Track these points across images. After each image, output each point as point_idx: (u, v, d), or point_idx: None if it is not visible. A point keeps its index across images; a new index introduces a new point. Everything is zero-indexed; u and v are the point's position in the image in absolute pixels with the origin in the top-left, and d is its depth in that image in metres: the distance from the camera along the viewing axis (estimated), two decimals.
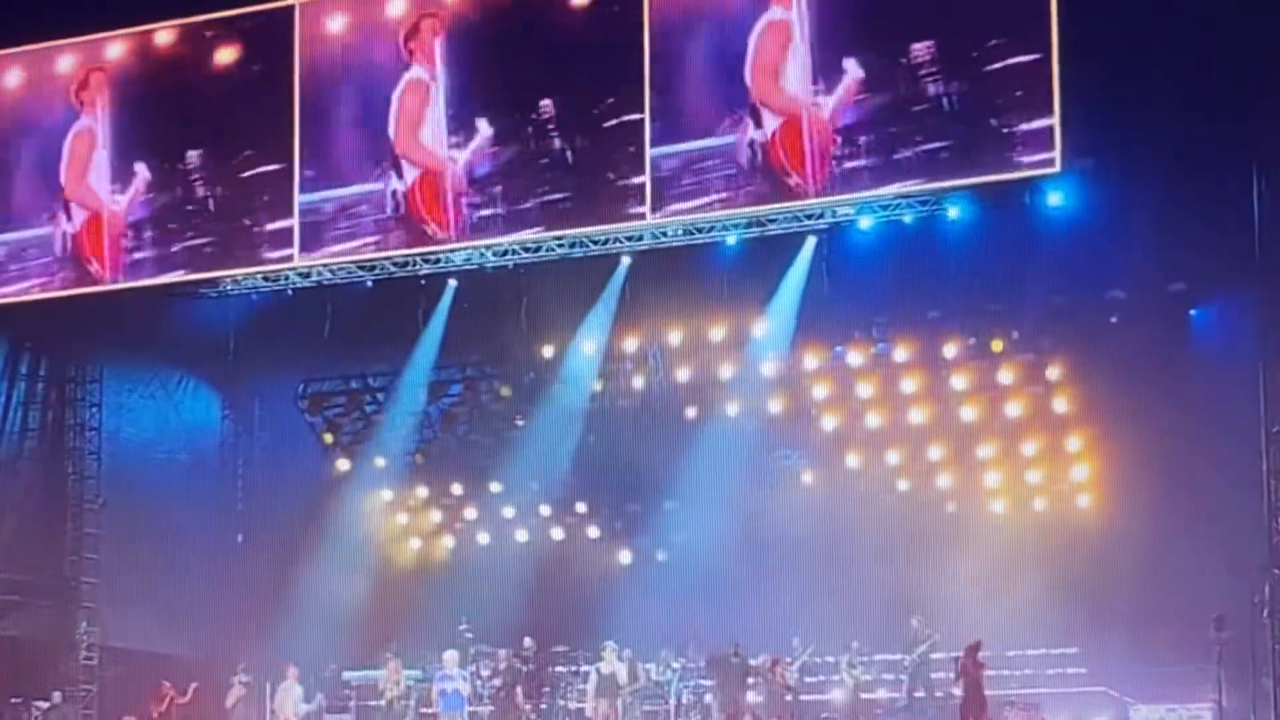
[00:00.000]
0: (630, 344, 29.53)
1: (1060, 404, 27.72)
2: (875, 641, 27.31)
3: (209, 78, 26.82)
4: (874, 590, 27.89)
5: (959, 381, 28.18)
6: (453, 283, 28.09)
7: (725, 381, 29.08)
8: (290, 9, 26.18)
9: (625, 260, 26.87)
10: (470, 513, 32.19)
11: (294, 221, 25.98)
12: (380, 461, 31.57)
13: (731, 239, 25.41)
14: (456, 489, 32.18)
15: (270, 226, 26.15)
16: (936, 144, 22.51)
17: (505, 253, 25.90)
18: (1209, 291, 26.12)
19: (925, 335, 28.13)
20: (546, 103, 24.66)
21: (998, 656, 25.31)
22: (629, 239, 25.47)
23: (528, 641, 27.93)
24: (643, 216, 24.33)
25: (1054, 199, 23.15)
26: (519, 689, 26.93)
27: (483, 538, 32.19)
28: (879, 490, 29.33)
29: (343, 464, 31.98)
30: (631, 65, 24.02)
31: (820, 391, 29.27)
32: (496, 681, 27.50)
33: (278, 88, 26.08)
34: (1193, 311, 26.60)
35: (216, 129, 26.67)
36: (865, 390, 28.91)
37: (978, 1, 22.65)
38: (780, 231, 24.82)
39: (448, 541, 32.74)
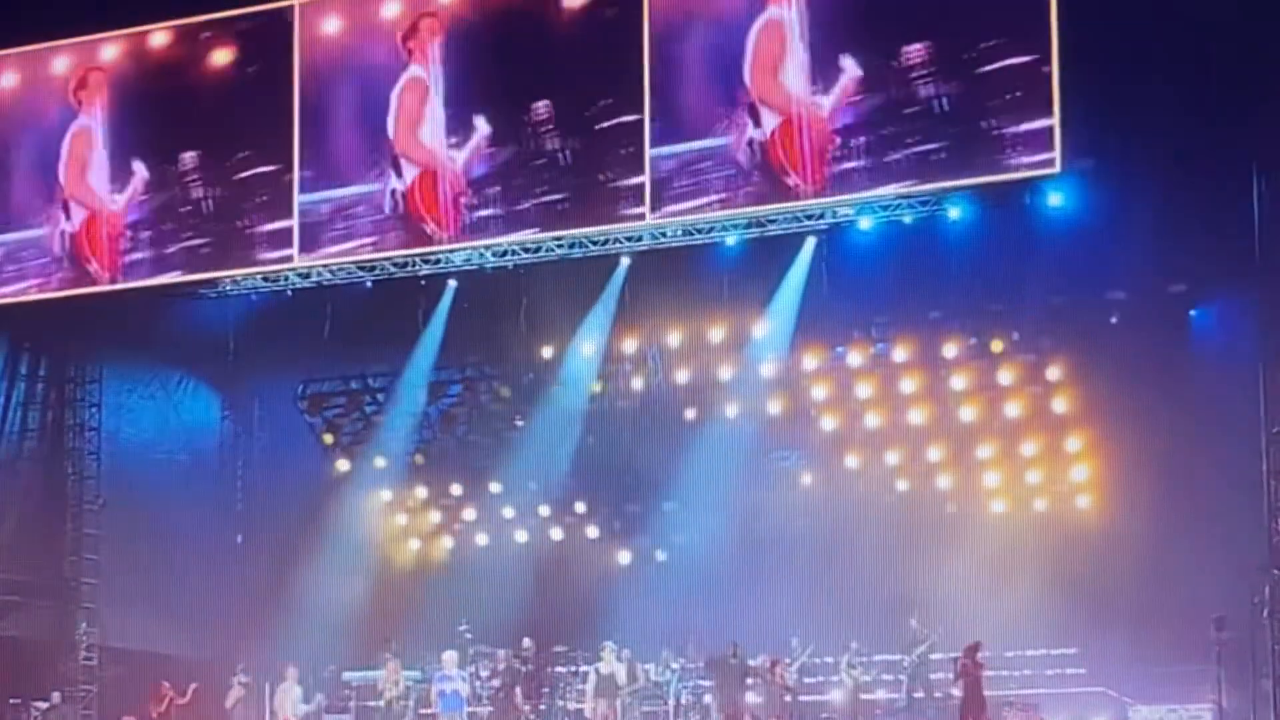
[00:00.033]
0: (630, 345, 29.52)
1: (1060, 404, 27.66)
2: (874, 642, 27.25)
3: (207, 78, 26.85)
4: (873, 591, 27.88)
5: (959, 382, 28.15)
6: (452, 283, 28.08)
7: (724, 382, 29.04)
8: (289, 9, 26.19)
9: (624, 261, 26.84)
10: (469, 513, 32.13)
11: (293, 222, 26.00)
12: (380, 462, 31.54)
13: (731, 239, 25.37)
14: (456, 489, 32.12)
15: (268, 227, 26.16)
16: (933, 145, 22.49)
17: (505, 253, 25.88)
18: (1209, 292, 26.13)
19: (925, 335, 28.10)
20: (544, 103, 24.66)
21: (997, 657, 25.32)
22: (628, 239, 25.44)
23: (527, 642, 27.91)
24: (642, 217, 24.33)
25: (1054, 200, 23.13)
26: (518, 689, 26.91)
27: (482, 538, 32.13)
28: (878, 491, 29.26)
29: (342, 464, 31.97)
30: (629, 66, 23.99)
31: (820, 392, 29.23)
32: (495, 682, 27.49)
33: (275, 89, 26.10)
34: (1193, 312, 26.60)
35: (214, 130, 26.68)
36: (865, 391, 28.87)
37: (976, 2, 22.63)
38: (780, 232, 24.79)
39: (447, 542, 32.68)
